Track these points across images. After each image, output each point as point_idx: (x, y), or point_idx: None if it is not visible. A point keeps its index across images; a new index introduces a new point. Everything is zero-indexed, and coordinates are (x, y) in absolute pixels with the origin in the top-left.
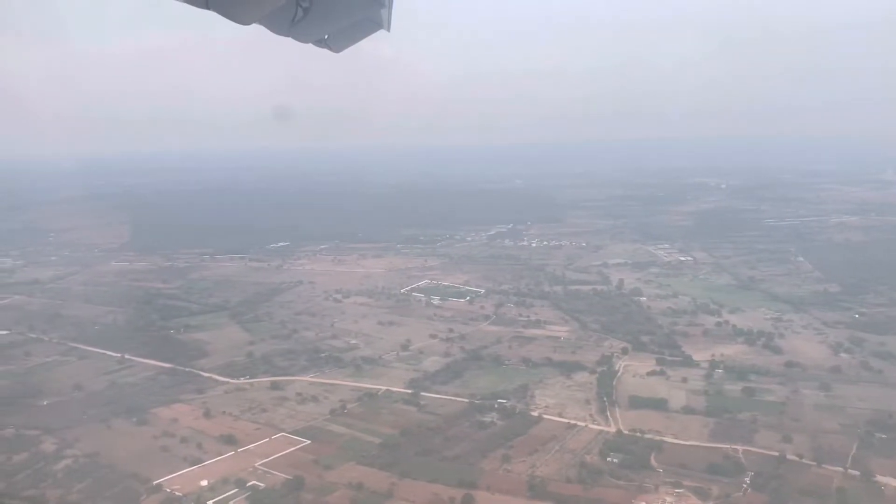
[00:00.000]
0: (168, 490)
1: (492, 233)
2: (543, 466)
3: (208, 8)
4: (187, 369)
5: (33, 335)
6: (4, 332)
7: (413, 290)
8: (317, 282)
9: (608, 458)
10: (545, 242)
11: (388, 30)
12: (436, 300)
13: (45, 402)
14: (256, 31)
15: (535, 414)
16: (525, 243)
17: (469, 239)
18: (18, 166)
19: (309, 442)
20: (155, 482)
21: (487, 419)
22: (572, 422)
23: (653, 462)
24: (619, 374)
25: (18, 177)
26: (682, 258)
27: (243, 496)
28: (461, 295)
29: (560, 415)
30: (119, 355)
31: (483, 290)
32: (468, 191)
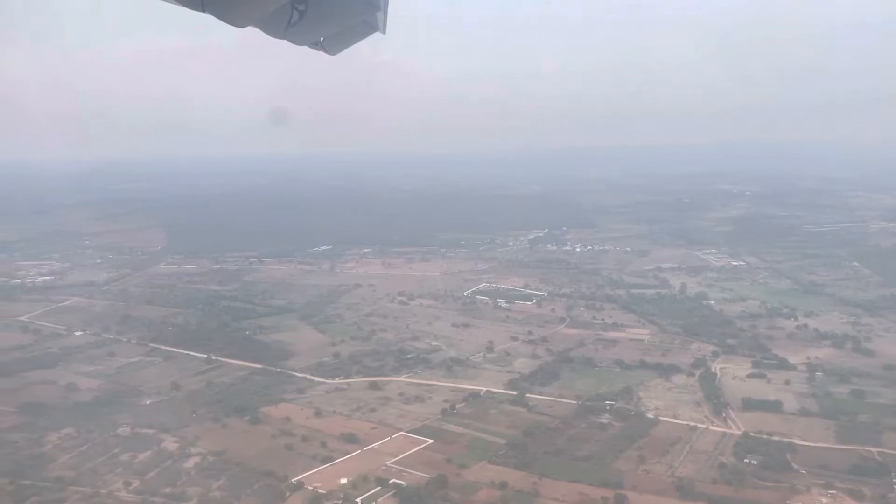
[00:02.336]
0: (310, 488)
1: (530, 237)
2: (682, 467)
3: (204, 10)
4: (278, 370)
5: (109, 336)
6: (80, 333)
7: (474, 292)
8: (375, 284)
9: (745, 460)
10: (588, 247)
11: (384, 32)
12: (502, 303)
13: (147, 402)
14: (252, 34)
15: (650, 416)
16: (568, 248)
17: (510, 243)
18: (21, 170)
19: (431, 441)
20: (293, 480)
21: (603, 420)
22: (691, 423)
23: (792, 464)
24: (718, 376)
25: (27, 180)
26: (735, 263)
27: (388, 494)
28: (525, 298)
29: (675, 417)
30: (205, 356)
31: (546, 294)
32: (489, 196)
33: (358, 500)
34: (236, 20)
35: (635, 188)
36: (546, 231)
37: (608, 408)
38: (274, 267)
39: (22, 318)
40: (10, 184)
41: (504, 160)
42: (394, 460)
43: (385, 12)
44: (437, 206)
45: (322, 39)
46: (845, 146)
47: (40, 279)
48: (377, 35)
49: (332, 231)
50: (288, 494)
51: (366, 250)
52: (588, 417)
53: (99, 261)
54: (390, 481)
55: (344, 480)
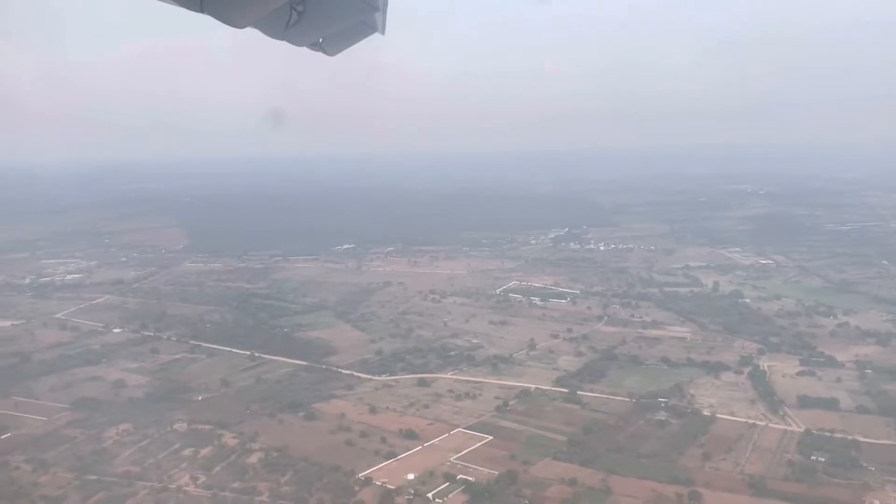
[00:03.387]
0: (378, 483)
1: (551, 236)
2: (749, 465)
3: (203, 12)
4: (323, 366)
5: (148, 333)
6: (118, 331)
7: (506, 291)
8: (405, 283)
9: (812, 457)
10: (612, 246)
11: (383, 33)
12: (536, 301)
13: (199, 398)
14: (251, 34)
15: (706, 413)
16: (592, 246)
17: (532, 242)
18: (24, 173)
19: (490, 438)
20: (359, 475)
21: (660, 418)
22: (749, 421)
23: (861, 461)
24: (767, 374)
25: (33, 182)
26: (763, 261)
27: (458, 490)
28: (558, 296)
29: (732, 414)
30: (247, 353)
31: (578, 292)
32: (502, 195)
33: (429, 495)
34: (235, 21)
35: (647, 188)
36: (566, 230)
37: (663, 405)
38: (300, 265)
39: (58, 316)
40: (18, 185)
41: (507, 161)
42: (456, 456)
43: (384, 13)
44: (452, 206)
45: (321, 40)
46: (844, 147)
47: (69, 277)
48: (376, 36)
49: (352, 230)
50: (357, 489)
51: (389, 249)
52: (644, 415)
53: (123, 259)
54: (458, 477)
55: (411, 476)
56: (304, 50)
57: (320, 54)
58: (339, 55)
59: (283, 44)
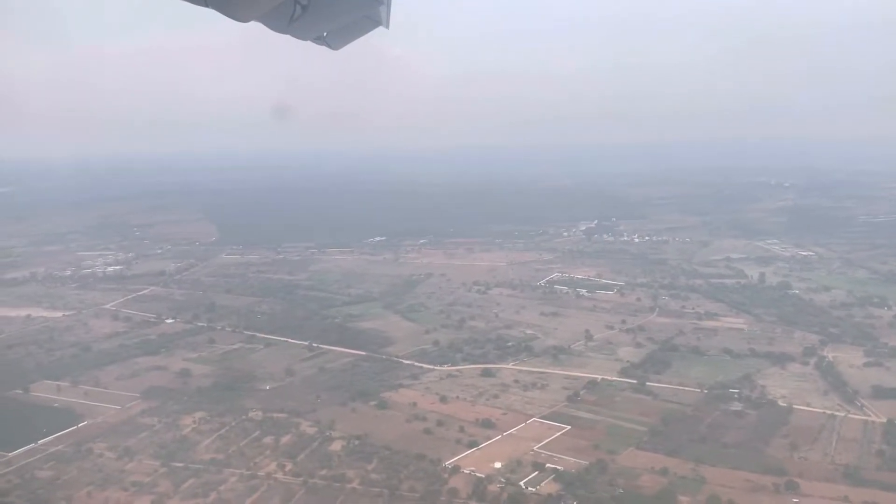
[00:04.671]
0: (466, 471)
1: (582, 228)
2: (839, 455)
3: (207, 6)
4: (383, 357)
5: (201, 324)
6: (170, 321)
7: (549, 282)
8: (446, 274)
9: None
10: (647, 238)
11: (387, 27)
12: (583, 292)
13: (267, 387)
14: (255, 28)
15: (782, 404)
16: (626, 238)
17: (565, 234)
18: (35, 168)
19: (568, 427)
20: (445, 463)
21: (734, 408)
22: (827, 411)
23: None
24: (834, 364)
25: (48, 177)
26: (803, 253)
27: (549, 478)
28: (604, 288)
29: (807, 405)
30: (303, 343)
31: (623, 283)
32: (523, 189)
33: (521, 483)
34: (239, 15)
35: (667, 181)
36: (595, 222)
37: (735, 396)
38: (337, 257)
39: (107, 307)
40: (31, 181)
41: (518, 155)
42: (539, 446)
43: (388, 7)
44: (474, 200)
45: (325, 34)
46: (851, 142)
47: (109, 269)
48: (381, 29)
49: (379, 223)
50: (446, 477)
51: (421, 241)
52: (718, 405)
53: (159, 251)
54: (546, 466)
55: (498, 465)
56: (309, 44)
57: (324, 48)
58: (346, 49)
59: (288, 38)
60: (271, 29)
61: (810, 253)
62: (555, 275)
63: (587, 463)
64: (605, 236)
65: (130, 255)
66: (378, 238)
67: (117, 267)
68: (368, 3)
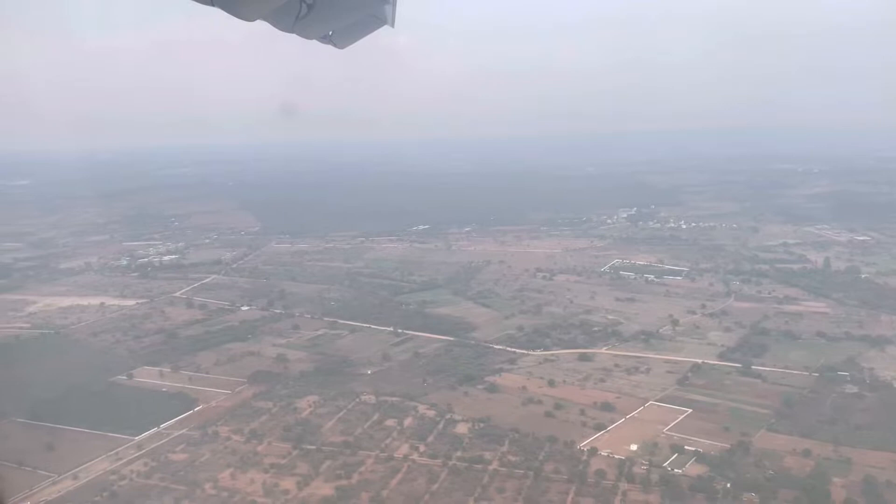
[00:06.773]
0: (604, 453)
1: (623, 215)
2: None
3: (213, 5)
4: (472, 342)
5: (277, 311)
6: (246, 308)
7: (612, 268)
8: (506, 261)
9: None
10: (693, 224)
11: (393, 25)
12: (651, 278)
13: (369, 371)
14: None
15: None
16: (672, 225)
17: (608, 221)
18: (48, 160)
19: (690, 410)
20: (579, 446)
21: (850, 391)
22: None
23: None
24: None
25: (64, 170)
26: (859, 238)
27: (691, 460)
28: (670, 273)
29: None
30: (387, 329)
31: (687, 269)
32: (552, 177)
33: (664, 465)
34: (245, 14)
35: (693, 168)
36: (635, 209)
37: (847, 378)
38: (387, 245)
39: (176, 295)
40: (50, 173)
41: (536, 145)
42: (667, 429)
43: (394, 5)
44: (506, 188)
45: (331, 33)
46: (854, 130)
47: (165, 258)
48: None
49: (418, 211)
50: (585, 459)
51: (466, 229)
52: (833, 388)
53: (207, 241)
54: (685, 448)
55: (634, 447)
56: (314, 42)
57: (330, 46)
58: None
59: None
60: (277, 28)
61: (866, 237)
62: (615, 261)
63: (727, 445)
64: (650, 223)
65: (180, 244)
66: (421, 227)
67: (173, 256)
68: (374, 2)
